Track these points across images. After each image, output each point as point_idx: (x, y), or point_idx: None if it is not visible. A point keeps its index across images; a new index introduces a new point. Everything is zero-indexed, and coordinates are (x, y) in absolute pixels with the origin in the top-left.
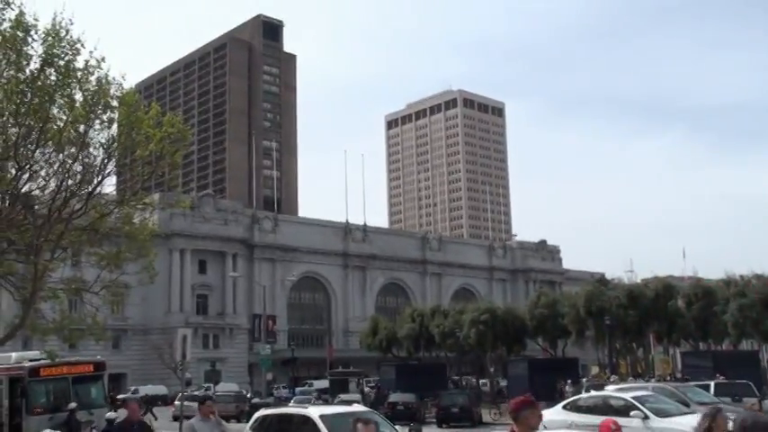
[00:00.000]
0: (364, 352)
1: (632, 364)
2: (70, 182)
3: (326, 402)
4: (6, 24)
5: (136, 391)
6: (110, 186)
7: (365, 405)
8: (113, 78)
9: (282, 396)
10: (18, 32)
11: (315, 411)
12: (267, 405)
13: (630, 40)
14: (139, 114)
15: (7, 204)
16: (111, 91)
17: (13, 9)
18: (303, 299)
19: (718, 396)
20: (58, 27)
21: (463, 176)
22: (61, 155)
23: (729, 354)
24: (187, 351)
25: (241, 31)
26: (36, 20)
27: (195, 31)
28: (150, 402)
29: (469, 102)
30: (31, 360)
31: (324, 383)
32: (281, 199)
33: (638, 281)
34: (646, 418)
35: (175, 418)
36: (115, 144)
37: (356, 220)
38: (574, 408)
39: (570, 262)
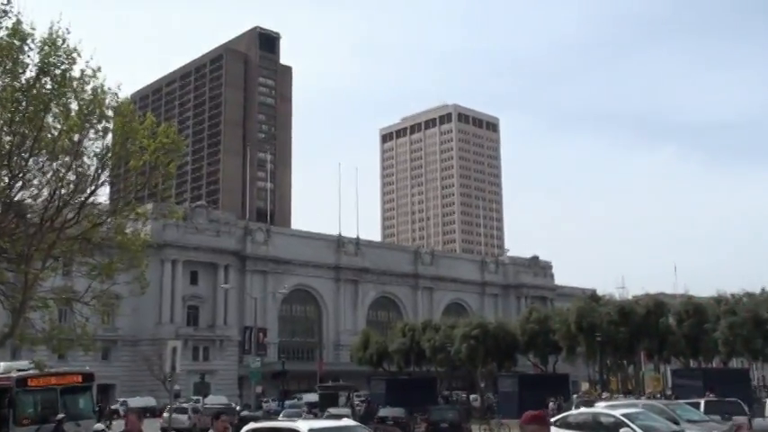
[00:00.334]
0: (355, 366)
1: (623, 380)
2: (63, 191)
3: (316, 416)
4: (3, 32)
5: (124, 403)
6: (103, 196)
7: (355, 419)
8: (109, 88)
9: (272, 409)
10: (14, 41)
11: (304, 426)
12: (256, 418)
13: (625, 57)
14: (134, 125)
15: None
16: (107, 101)
17: (10, 18)
18: (294, 311)
19: (708, 414)
20: (54, 36)
21: (457, 191)
22: (55, 164)
23: (720, 371)
24: (177, 363)
25: (238, 42)
26: (33, 29)
27: (192, 43)
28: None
29: (464, 116)
30: (19, 370)
31: (313, 397)
32: (275, 211)
33: (630, 297)
34: None
35: (164, 430)
36: (109, 154)
37: (349, 233)
38: (564, 424)
39: (562, 278)
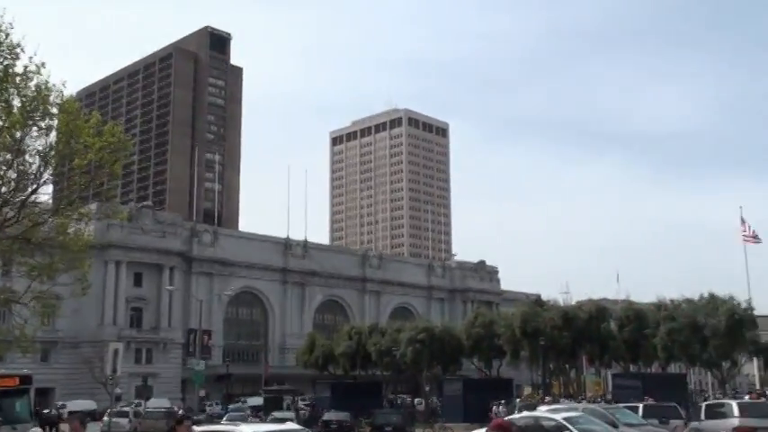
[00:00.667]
0: (301, 369)
1: (565, 384)
2: (3, 189)
3: (261, 420)
4: None
5: (63, 407)
6: (45, 195)
7: (299, 423)
8: (53, 85)
9: (215, 413)
10: None
11: (246, 429)
12: (198, 422)
13: (571, 68)
14: (79, 122)
15: None
16: (51, 98)
17: None
18: (240, 314)
19: (647, 418)
20: None
21: (406, 195)
22: None
23: (658, 376)
24: (118, 365)
25: (188, 42)
26: None
27: (141, 41)
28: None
29: (414, 121)
30: None
31: (258, 401)
32: (222, 212)
33: (573, 303)
34: None
35: None
36: (53, 152)
37: (297, 235)
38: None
39: (508, 283)
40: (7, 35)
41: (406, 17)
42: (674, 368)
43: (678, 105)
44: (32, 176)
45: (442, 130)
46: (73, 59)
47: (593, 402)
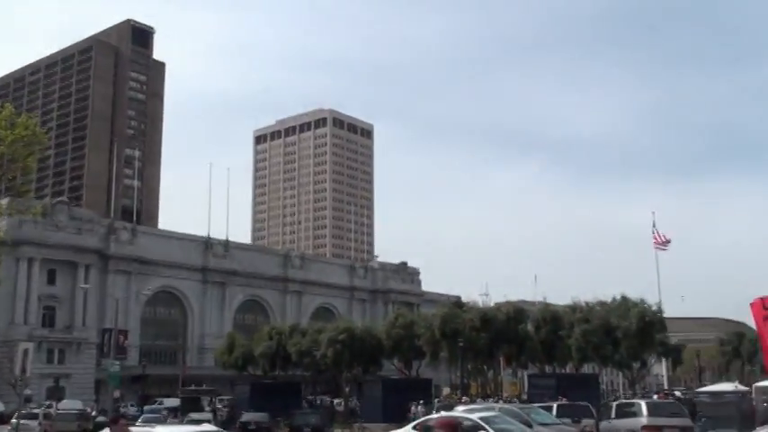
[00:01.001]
0: (220, 370)
1: (482, 385)
2: None
3: (180, 421)
4: None
5: None
6: None
7: (216, 424)
8: None
9: (130, 414)
10: None
11: (161, 430)
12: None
13: (497, 72)
14: None
15: None
16: None
17: None
18: (158, 314)
19: (560, 417)
20: None
21: (329, 196)
22: None
23: (572, 376)
24: (27, 366)
25: (109, 34)
26: None
27: (60, 32)
28: None
29: (339, 121)
30: None
31: (175, 402)
32: (142, 210)
33: (492, 305)
34: None
35: None
36: None
37: (219, 235)
38: (424, 428)
39: (429, 284)
40: None
41: (333, 18)
42: (587, 369)
43: (595, 112)
44: None
45: (366, 132)
46: None
47: (509, 402)
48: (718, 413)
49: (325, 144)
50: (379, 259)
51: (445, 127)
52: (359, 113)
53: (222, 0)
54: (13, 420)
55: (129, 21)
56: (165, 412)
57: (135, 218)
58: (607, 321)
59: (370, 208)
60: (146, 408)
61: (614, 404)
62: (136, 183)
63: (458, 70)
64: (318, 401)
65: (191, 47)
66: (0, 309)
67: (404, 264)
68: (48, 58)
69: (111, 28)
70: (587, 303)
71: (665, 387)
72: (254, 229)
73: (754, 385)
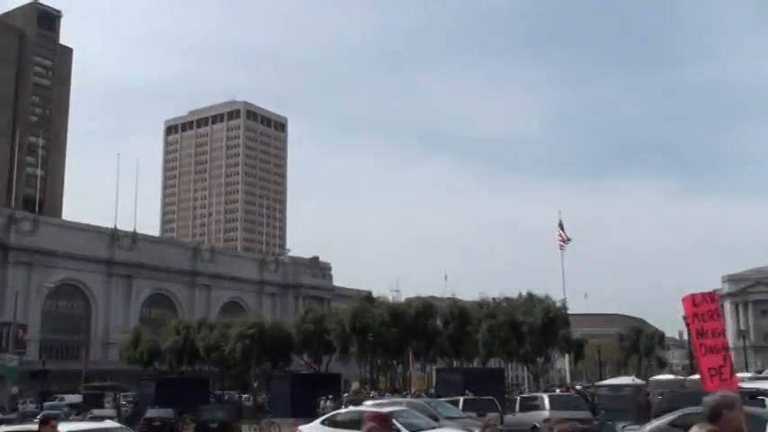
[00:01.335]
0: (124, 365)
1: (391, 380)
2: None
3: (82, 418)
4: None
5: None
6: None
7: (120, 421)
8: None
9: (28, 411)
10: None
11: (61, 428)
12: (10, 421)
13: (414, 69)
14: None
15: None
16: None
17: None
18: (61, 307)
19: (466, 411)
20: None
21: (241, 189)
22: None
23: (478, 371)
24: None
25: (13, 16)
26: None
27: None
28: None
29: (253, 114)
30: None
31: (77, 398)
32: (45, 200)
33: (403, 300)
34: None
35: None
36: None
37: (126, 226)
38: (332, 423)
39: (341, 280)
40: None
41: (249, 10)
42: (493, 363)
43: (509, 112)
44: None
45: (280, 125)
46: None
47: (417, 397)
48: (616, 406)
49: (238, 136)
50: (291, 254)
51: (361, 122)
52: (273, 107)
53: None
54: None
55: (35, 2)
56: (65, 409)
57: (37, 208)
58: (513, 317)
59: (283, 202)
60: (45, 404)
61: (518, 398)
62: (39, 171)
63: (374, 66)
64: (226, 397)
65: (101, 33)
66: None
67: (315, 258)
68: None
69: (15, 9)
70: (494, 299)
71: (568, 381)
72: (164, 222)
73: (650, 379)
